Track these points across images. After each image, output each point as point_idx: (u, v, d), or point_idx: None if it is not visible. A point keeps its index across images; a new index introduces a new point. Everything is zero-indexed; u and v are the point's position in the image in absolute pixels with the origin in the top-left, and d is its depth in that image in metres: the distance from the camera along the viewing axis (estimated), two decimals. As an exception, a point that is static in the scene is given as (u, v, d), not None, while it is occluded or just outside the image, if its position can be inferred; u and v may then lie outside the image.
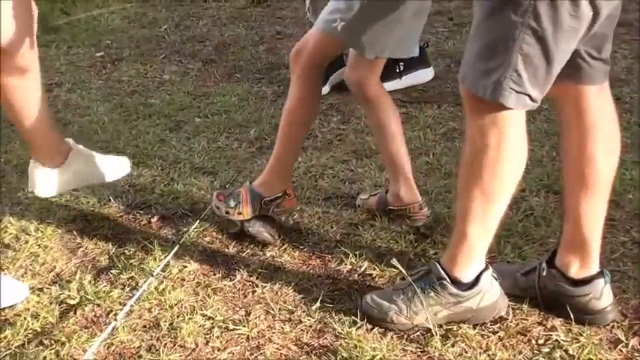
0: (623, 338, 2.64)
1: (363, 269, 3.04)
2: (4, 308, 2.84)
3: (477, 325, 2.72)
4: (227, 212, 3.21)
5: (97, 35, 5.98)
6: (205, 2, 6.72)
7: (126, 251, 3.19)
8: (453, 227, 2.68)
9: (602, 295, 2.72)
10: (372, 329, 2.73)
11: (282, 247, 3.17)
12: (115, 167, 3.41)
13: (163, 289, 2.95)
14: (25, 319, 2.79)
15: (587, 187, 2.65)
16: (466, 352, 2.61)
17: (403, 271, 2.90)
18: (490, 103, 2.40)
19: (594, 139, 2.63)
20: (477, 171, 2.49)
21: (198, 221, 3.35)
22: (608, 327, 2.69)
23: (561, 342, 2.64)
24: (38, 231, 3.33)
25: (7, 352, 2.67)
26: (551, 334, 2.68)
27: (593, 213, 2.70)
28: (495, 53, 2.37)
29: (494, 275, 2.70)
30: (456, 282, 2.66)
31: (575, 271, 2.72)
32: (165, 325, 2.78)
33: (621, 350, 2.60)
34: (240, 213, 3.21)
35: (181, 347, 2.69)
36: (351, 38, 3.05)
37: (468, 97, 2.51)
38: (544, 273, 2.77)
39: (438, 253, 3.10)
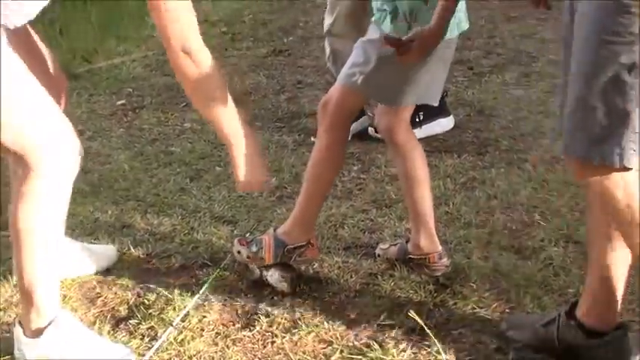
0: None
1: (382, 318, 3.04)
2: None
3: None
4: (248, 257, 3.23)
5: (118, 83, 6.02)
6: (226, 50, 6.77)
7: (145, 301, 3.20)
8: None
9: (623, 348, 2.72)
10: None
11: (302, 297, 3.18)
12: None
13: (183, 340, 2.95)
14: (41, 369, 2.81)
15: (611, 243, 2.64)
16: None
17: (421, 322, 2.92)
18: (609, 168, 2.37)
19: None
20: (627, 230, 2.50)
21: (218, 270, 3.36)
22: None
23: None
24: (58, 280, 3.34)
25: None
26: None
27: (617, 268, 2.69)
28: (611, 118, 2.31)
29: None
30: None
31: (595, 323, 2.72)
32: (184, 377, 2.80)
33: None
34: (262, 258, 3.23)
35: (201, 398, 2.71)
36: (370, 91, 3.10)
37: (581, 167, 2.48)
38: (563, 324, 2.77)
39: (457, 303, 3.12)
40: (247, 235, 3.62)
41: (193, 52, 2.63)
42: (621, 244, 2.66)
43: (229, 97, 2.77)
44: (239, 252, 3.29)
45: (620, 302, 2.75)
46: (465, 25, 3.12)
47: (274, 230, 3.29)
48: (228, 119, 2.80)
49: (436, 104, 3.46)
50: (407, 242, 3.37)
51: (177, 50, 2.62)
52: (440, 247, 3.31)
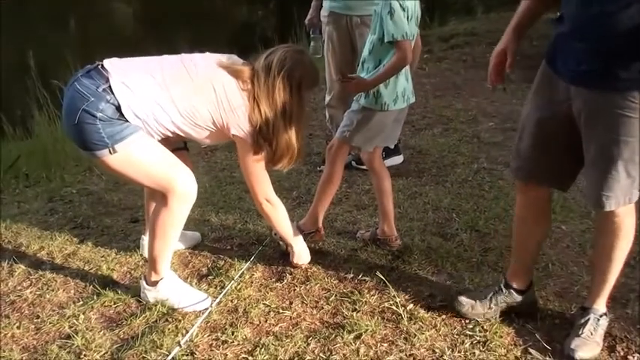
0: (517, 321, 2.64)
1: (360, 276, 3.04)
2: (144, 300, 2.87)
3: (429, 309, 2.73)
4: (280, 238, 3.22)
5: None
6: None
7: (217, 265, 3.20)
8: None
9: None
10: (365, 313, 2.73)
11: (312, 262, 3.16)
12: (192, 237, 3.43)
13: (240, 288, 2.96)
14: (155, 305, 2.81)
15: (533, 238, 2.58)
16: (422, 328, 2.62)
17: (384, 278, 2.91)
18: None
19: (545, 229, 2.58)
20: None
21: (261, 247, 3.35)
22: (508, 316, 2.68)
23: (480, 322, 2.64)
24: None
25: (147, 325, 2.70)
26: (475, 318, 2.68)
27: (533, 251, 2.62)
28: (635, 164, 2.07)
29: None
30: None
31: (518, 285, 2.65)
32: (240, 310, 2.79)
33: (515, 326, 2.60)
34: None
35: (250, 323, 2.71)
36: (354, 141, 3.12)
37: (612, 214, 2.17)
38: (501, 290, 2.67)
39: (406, 267, 3.11)
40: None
41: (271, 201, 2.89)
42: (537, 240, 2.58)
43: (289, 221, 3.04)
44: (275, 234, 3.28)
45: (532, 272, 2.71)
46: (413, 99, 3.13)
47: (296, 223, 3.29)
48: (290, 233, 3.05)
49: (393, 147, 3.47)
50: (376, 229, 3.36)
51: (262, 200, 2.88)
52: (396, 233, 3.31)
